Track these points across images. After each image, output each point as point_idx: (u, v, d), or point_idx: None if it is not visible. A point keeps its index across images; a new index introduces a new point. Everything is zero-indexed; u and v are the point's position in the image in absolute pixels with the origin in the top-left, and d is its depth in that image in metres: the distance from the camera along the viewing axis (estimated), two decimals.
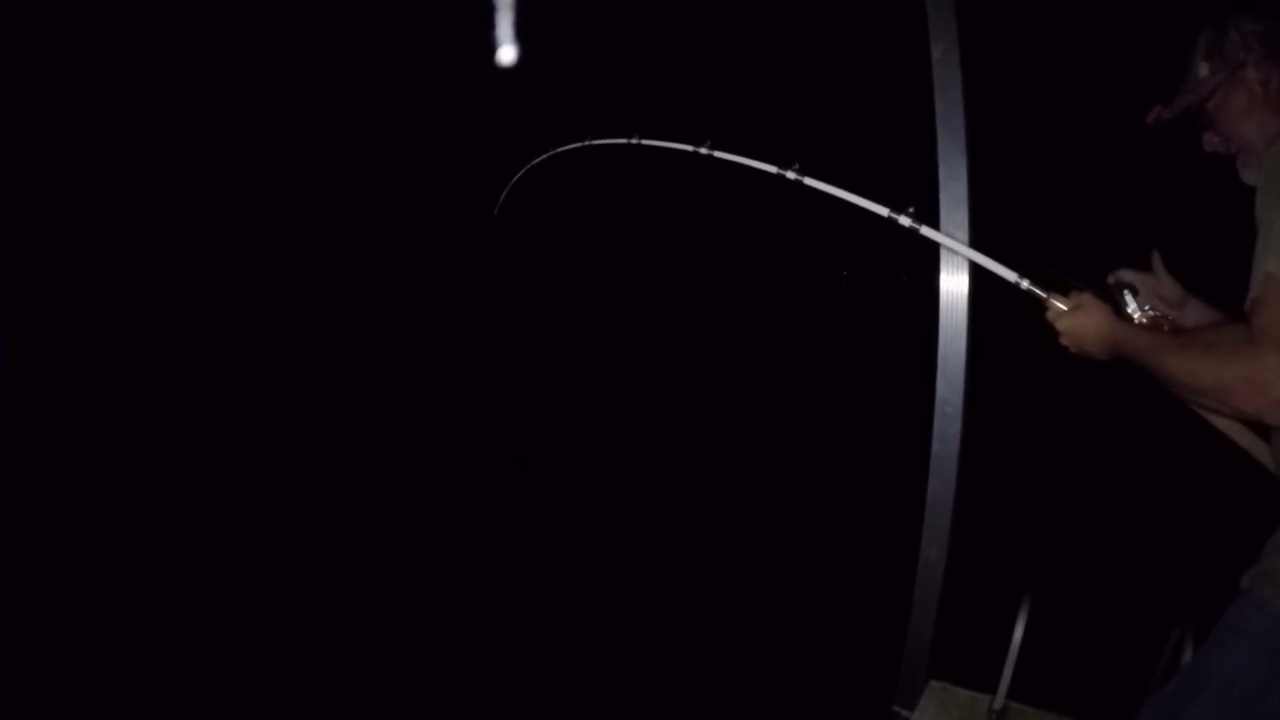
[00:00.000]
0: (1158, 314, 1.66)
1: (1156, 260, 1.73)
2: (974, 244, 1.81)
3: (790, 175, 1.84)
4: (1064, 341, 1.59)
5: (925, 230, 1.74)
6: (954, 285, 1.99)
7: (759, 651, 3.78)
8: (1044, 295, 1.60)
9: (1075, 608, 3.25)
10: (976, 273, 1.96)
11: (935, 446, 2.04)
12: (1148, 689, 1.70)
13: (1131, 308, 1.67)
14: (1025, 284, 1.64)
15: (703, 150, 1.97)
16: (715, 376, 7.96)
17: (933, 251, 1.96)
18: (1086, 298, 1.57)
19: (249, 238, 7.98)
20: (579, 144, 2.22)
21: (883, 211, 1.74)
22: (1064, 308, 1.58)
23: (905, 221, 1.73)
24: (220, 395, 6.41)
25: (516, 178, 2.46)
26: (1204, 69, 1.61)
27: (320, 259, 8.33)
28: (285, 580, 4.14)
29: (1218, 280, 1.60)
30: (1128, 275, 1.73)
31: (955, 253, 1.82)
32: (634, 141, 2.08)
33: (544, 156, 2.34)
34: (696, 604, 4.17)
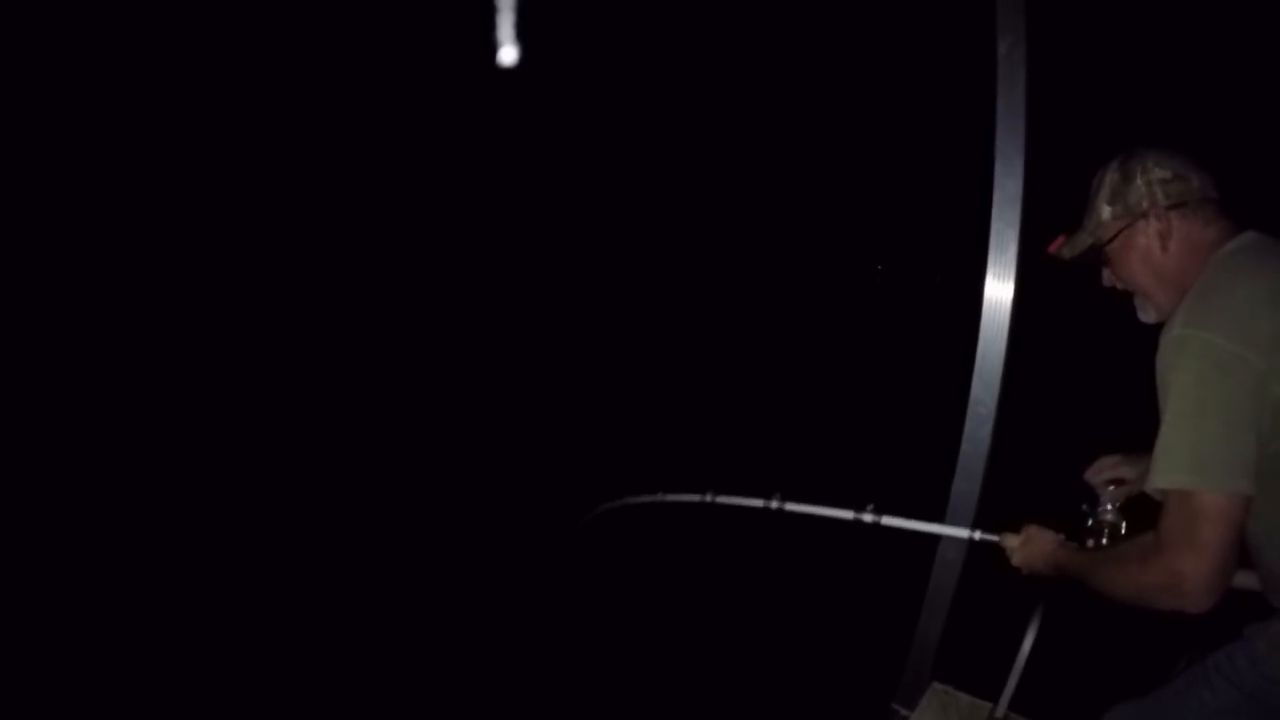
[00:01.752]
0: (1098, 524, 1.76)
1: (1099, 471, 1.86)
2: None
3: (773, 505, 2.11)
4: (1021, 570, 1.76)
5: (887, 520, 1.95)
6: (999, 293, 1.98)
7: (761, 640, 3.79)
8: (997, 538, 1.81)
9: (1086, 625, 3.21)
10: (1022, 279, 1.96)
11: (965, 447, 2.03)
12: None
13: (1093, 522, 1.76)
14: (978, 535, 1.89)
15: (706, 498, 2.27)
16: (743, 361, 7.92)
17: (973, 255, 2.01)
18: (1033, 530, 1.74)
19: (249, 238, 8.00)
20: (650, 498, 2.44)
21: (848, 515, 1.96)
22: (1016, 544, 1.76)
23: (868, 518, 1.94)
24: (219, 395, 6.39)
25: (587, 520, 2.68)
26: (1106, 212, 1.64)
27: (321, 259, 8.34)
28: (285, 580, 4.12)
29: None
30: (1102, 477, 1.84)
31: (916, 531, 1.98)
32: (707, 499, 2.29)
33: (616, 504, 2.56)
34: (702, 591, 4.18)
